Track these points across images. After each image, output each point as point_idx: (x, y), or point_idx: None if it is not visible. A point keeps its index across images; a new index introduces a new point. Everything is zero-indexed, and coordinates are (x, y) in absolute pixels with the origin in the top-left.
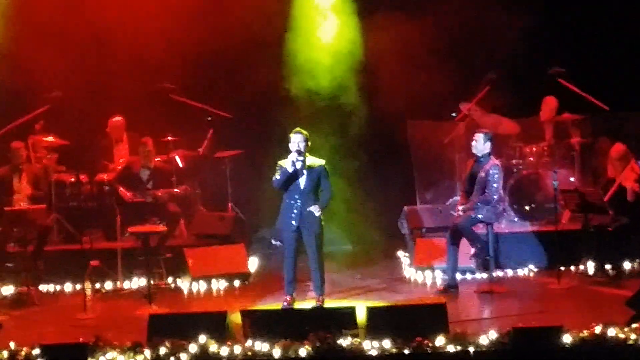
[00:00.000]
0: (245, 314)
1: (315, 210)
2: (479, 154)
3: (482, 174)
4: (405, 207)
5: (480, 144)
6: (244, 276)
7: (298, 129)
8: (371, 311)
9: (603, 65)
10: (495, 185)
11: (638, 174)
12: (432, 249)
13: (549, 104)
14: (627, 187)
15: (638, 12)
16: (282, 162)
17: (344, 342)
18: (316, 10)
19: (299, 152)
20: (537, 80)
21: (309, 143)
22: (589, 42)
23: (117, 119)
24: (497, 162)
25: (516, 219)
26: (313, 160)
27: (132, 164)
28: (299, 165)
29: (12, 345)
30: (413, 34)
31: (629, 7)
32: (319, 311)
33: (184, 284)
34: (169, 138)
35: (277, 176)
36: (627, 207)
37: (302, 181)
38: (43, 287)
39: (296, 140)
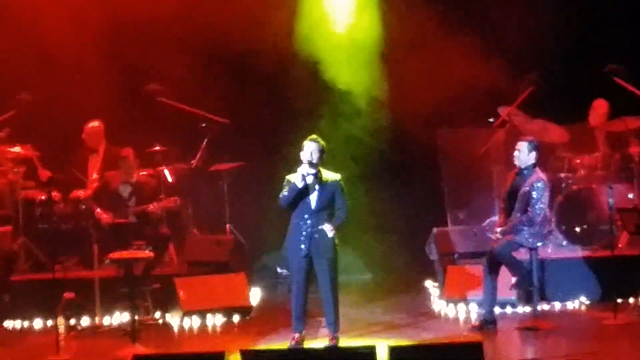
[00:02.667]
0: (246, 355)
1: (328, 229)
2: (522, 166)
3: (525, 189)
4: (435, 229)
5: (524, 155)
6: (245, 310)
7: (314, 136)
8: (394, 351)
9: None
10: (540, 202)
11: None
12: (466, 278)
13: (598, 108)
14: None
15: None
16: (290, 177)
17: None
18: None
19: (311, 164)
20: (589, 79)
21: (324, 155)
22: None
23: (95, 124)
24: (543, 175)
25: (565, 243)
26: (327, 175)
27: (110, 180)
28: (309, 179)
29: None
30: (443, 28)
31: None
32: (333, 351)
33: (174, 319)
34: (157, 148)
35: (285, 192)
36: None
37: (313, 198)
38: (8, 324)
39: (310, 149)
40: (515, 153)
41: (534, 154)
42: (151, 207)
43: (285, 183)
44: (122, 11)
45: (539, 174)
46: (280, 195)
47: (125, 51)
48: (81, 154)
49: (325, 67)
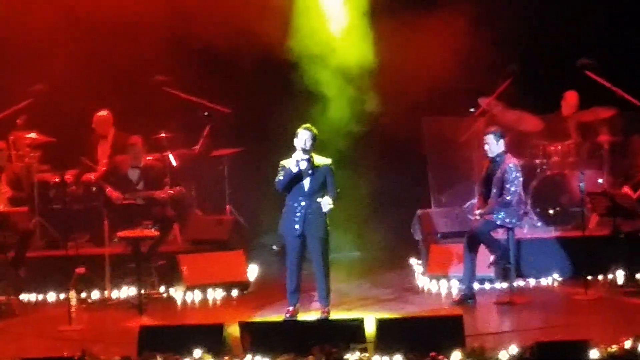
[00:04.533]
0: (244, 326)
1: (325, 203)
2: (494, 155)
3: (499, 175)
4: (419, 211)
5: (494, 145)
6: (243, 285)
7: (308, 125)
8: (381, 323)
9: (636, 57)
10: (513, 185)
11: None
12: (448, 256)
13: (569, 99)
14: None
15: None
16: (285, 162)
17: (352, 356)
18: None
19: (304, 151)
20: (563, 72)
21: (316, 142)
22: (620, 30)
23: (103, 113)
24: (514, 160)
25: (539, 224)
26: (319, 160)
27: (120, 163)
28: (303, 165)
29: None
30: (427, 22)
31: None
32: (325, 323)
33: (177, 293)
34: (162, 135)
35: (281, 177)
36: None
37: (307, 182)
38: (24, 297)
39: (303, 137)
40: (486, 146)
41: (502, 141)
42: (159, 194)
43: (280, 168)
44: (127, 10)
45: (510, 159)
46: (276, 180)
47: (133, 46)
48: (92, 140)
49: (315, 57)
